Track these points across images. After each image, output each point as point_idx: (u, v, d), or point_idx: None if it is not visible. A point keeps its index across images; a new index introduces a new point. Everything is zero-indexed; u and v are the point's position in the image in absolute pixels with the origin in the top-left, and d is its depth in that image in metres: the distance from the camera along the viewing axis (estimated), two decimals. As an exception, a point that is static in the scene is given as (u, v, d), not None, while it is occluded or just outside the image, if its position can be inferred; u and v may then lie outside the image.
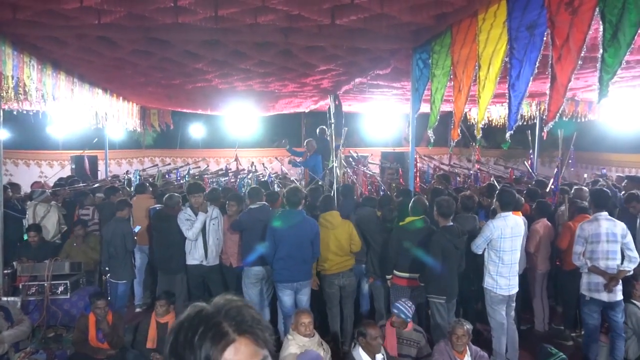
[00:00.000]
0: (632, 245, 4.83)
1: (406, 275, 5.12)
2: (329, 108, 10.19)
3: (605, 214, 4.92)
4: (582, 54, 2.70)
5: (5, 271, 5.78)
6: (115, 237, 6.05)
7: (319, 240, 5.21)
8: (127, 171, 11.38)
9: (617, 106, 10.53)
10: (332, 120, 7.60)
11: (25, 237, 6.81)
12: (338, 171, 6.93)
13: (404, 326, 4.36)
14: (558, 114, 2.99)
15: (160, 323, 5.04)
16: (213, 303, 1.11)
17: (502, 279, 4.85)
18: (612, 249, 4.77)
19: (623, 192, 7.07)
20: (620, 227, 4.85)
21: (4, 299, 5.37)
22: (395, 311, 4.38)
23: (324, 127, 9.91)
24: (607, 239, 4.75)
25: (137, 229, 6.41)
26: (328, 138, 8.97)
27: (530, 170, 9.67)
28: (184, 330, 1.06)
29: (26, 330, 5.07)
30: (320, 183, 7.93)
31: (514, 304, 5.09)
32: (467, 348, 4.15)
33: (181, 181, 9.92)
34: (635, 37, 2.37)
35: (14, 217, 7.06)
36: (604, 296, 4.76)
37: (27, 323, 5.14)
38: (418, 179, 8.55)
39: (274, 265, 5.14)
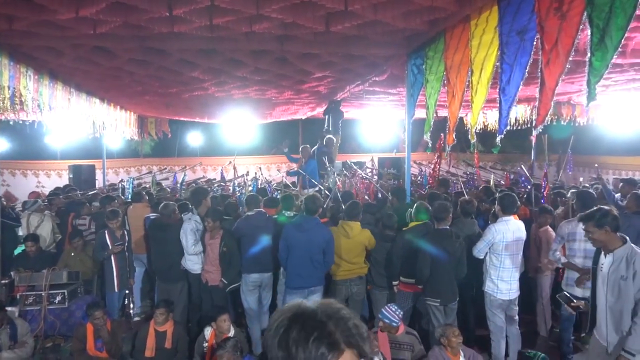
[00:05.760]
0: None
1: (411, 281, 5.12)
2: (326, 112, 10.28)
3: None
4: (570, 58, 2.74)
5: (3, 281, 5.79)
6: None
7: (332, 248, 5.18)
8: (122, 180, 11.39)
9: (613, 109, 10.61)
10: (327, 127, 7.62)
11: (21, 247, 6.80)
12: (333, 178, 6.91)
13: (395, 330, 4.36)
14: (548, 117, 3.00)
15: (159, 332, 5.03)
16: (320, 307, 1.18)
17: (503, 283, 4.87)
18: (590, 248, 4.78)
19: (619, 194, 7.08)
20: None
21: (9, 308, 5.36)
22: (380, 316, 4.39)
23: (331, 136, 9.97)
24: (583, 238, 4.74)
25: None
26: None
27: (527, 175, 9.69)
28: (297, 328, 1.13)
29: (25, 357, 5.02)
30: (317, 189, 7.94)
31: (516, 308, 5.10)
32: (461, 351, 4.16)
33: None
34: (622, 40, 2.40)
35: (9, 226, 7.09)
36: (578, 291, 4.81)
37: (29, 348, 5.09)
38: (433, 181, 8.60)
39: (287, 269, 5.18)
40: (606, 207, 3.76)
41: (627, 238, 3.60)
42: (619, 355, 3.43)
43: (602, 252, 3.65)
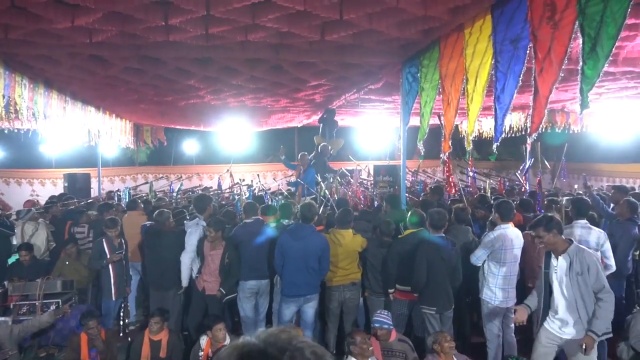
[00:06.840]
0: (609, 253, 4.92)
1: (407, 288, 5.11)
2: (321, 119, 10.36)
3: (583, 221, 5.02)
4: (563, 66, 2.77)
5: (-4, 291, 5.74)
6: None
7: (327, 256, 5.16)
8: (118, 189, 11.36)
9: (607, 117, 10.70)
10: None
11: (15, 257, 6.75)
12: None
13: (388, 335, 4.36)
14: (543, 125, 3.03)
15: (154, 341, 4.99)
16: (266, 341, 1.00)
17: (501, 291, 4.86)
18: None
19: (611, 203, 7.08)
20: (595, 235, 4.94)
21: (1, 318, 5.28)
22: (376, 325, 4.38)
23: (326, 144, 10.02)
24: None
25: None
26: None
27: (522, 181, 9.74)
28: None
29: None
30: (314, 197, 7.94)
31: (512, 316, 5.08)
32: (454, 357, 4.15)
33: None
34: (613, 49, 2.44)
35: (3, 235, 7.04)
36: None
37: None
38: (453, 189, 8.54)
39: (282, 277, 5.17)
40: (550, 214, 4.22)
41: (572, 239, 4.02)
42: (585, 336, 3.71)
43: (552, 256, 3.94)
